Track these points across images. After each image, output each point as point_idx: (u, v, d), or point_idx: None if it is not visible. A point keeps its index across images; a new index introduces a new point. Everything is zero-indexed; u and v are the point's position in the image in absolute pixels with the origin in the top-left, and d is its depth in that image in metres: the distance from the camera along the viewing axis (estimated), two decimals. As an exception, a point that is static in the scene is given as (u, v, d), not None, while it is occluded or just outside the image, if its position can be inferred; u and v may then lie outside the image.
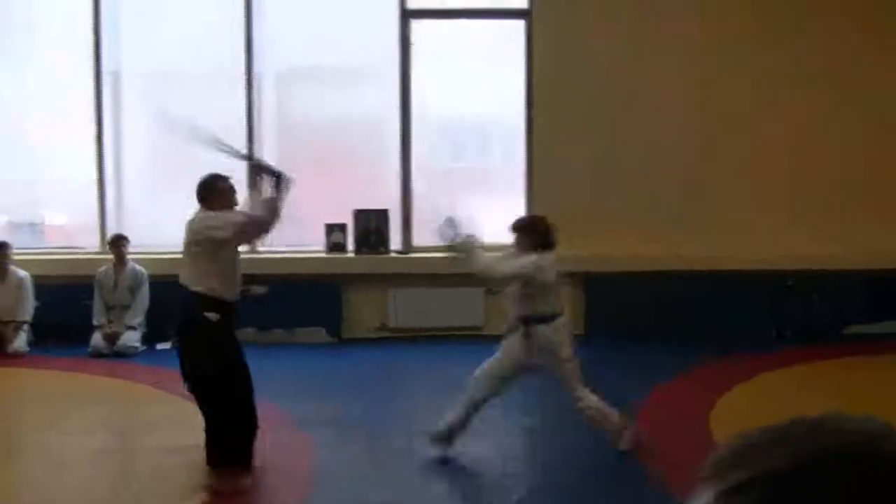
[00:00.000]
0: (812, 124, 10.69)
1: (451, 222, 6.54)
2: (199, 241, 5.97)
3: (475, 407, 6.36)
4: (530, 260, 6.33)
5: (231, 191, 6.28)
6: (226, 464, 5.85)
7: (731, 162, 10.72)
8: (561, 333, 6.42)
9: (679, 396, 8.14)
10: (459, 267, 6.66)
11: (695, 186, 10.64)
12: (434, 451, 6.36)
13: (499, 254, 6.75)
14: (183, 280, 5.94)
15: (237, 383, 5.87)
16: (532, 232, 6.55)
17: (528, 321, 6.36)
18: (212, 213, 6.05)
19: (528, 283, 6.33)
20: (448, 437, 6.37)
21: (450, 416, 6.37)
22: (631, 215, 10.52)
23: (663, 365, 9.08)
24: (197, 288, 5.87)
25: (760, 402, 7.94)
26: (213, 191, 6.21)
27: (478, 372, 6.42)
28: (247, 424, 5.92)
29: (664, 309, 10.37)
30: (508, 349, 6.41)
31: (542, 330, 6.35)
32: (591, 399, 6.44)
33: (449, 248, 6.60)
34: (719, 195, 10.67)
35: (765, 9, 10.65)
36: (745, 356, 9.45)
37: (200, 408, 5.91)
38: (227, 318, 5.96)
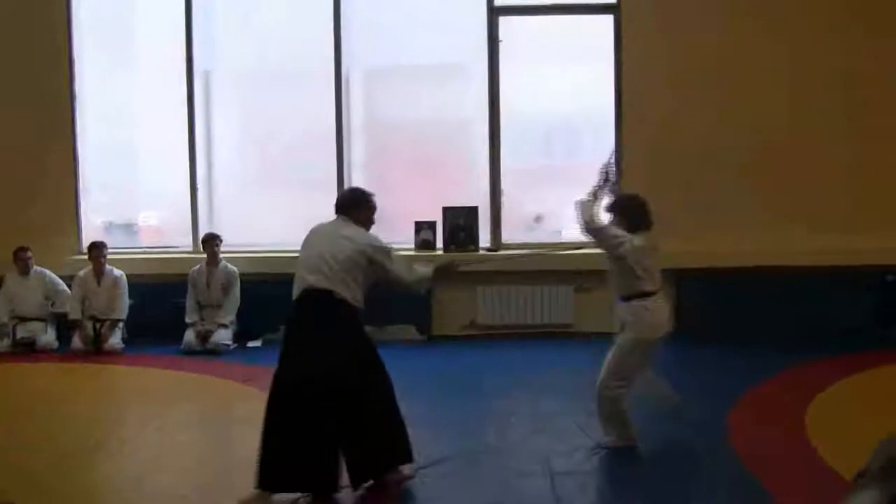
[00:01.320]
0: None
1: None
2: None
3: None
4: (622, 233, 6.38)
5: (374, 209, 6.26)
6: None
7: (832, 154, 10.48)
8: (636, 315, 6.38)
9: (775, 395, 7.96)
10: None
11: (792, 180, 10.44)
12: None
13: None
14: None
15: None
16: (625, 212, 6.54)
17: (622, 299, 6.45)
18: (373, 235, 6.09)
19: (619, 261, 6.37)
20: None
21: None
22: (724, 210, 10.35)
23: (759, 365, 8.91)
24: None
25: (859, 401, 7.76)
26: (362, 205, 6.20)
27: None
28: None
29: (759, 307, 10.18)
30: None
31: (619, 307, 6.47)
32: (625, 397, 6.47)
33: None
34: (819, 189, 10.45)
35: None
36: (845, 355, 9.23)
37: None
38: None
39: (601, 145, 10.84)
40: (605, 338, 9.22)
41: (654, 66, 10.55)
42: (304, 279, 5.89)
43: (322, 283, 5.80)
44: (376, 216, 6.24)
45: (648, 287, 6.40)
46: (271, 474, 5.62)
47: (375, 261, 5.92)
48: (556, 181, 11.13)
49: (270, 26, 11.23)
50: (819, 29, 10.43)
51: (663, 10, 10.54)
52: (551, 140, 11.30)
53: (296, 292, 5.91)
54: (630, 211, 6.55)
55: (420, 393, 7.95)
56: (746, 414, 7.36)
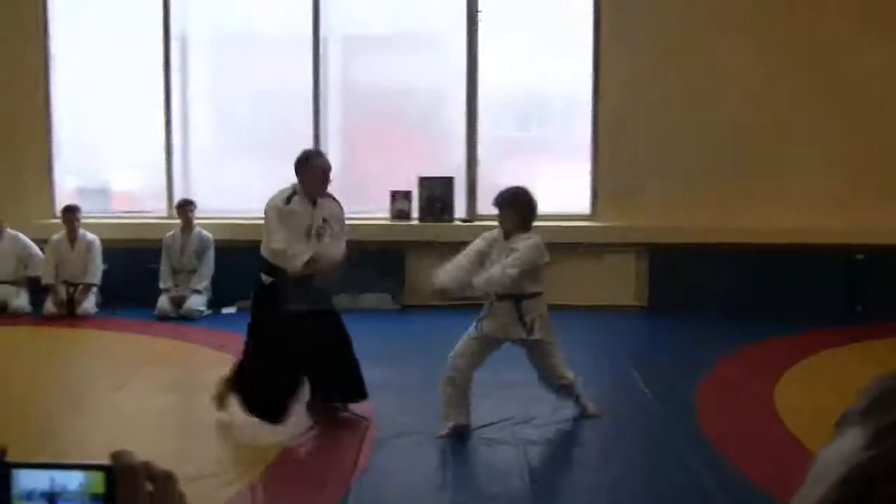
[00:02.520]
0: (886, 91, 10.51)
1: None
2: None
3: None
4: (533, 244, 6.14)
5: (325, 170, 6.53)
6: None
7: (801, 131, 10.53)
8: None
9: (744, 370, 8.04)
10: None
11: (764, 156, 10.51)
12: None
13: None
14: None
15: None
16: (520, 206, 6.26)
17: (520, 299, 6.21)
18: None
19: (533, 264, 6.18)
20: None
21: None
22: (697, 186, 10.41)
23: (728, 338, 8.99)
24: None
25: (827, 376, 7.83)
26: (302, 167, 6.48)
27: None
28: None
29: (730, 282, 10.25)
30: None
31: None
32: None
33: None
34: (789, 165, 10.51)
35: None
36: (814, 331, 9.31)
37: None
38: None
39: (577, 117, 10.95)
40: (575, 309, 9.33)
41: (631, 40, 10.57)
42: None
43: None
44: (324, 177, 6.53)
45: (537, 288, 6.27)
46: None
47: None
48: (531, 153, 11.15)
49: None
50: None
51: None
52: (527, 112, 11.31)
53: None
54: (526, 207, 6.25)
55: (392, 360, 8.03)
56: (714, 388, 7.43)
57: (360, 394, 6.54)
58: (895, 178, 10.47)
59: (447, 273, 6.30)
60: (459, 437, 6.17)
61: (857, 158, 10.51)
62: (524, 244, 6.11)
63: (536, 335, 6.23)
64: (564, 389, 6.50)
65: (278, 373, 6.26)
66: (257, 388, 6.26)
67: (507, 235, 6.23)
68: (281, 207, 6.32)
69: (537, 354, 6.37)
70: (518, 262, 6.03)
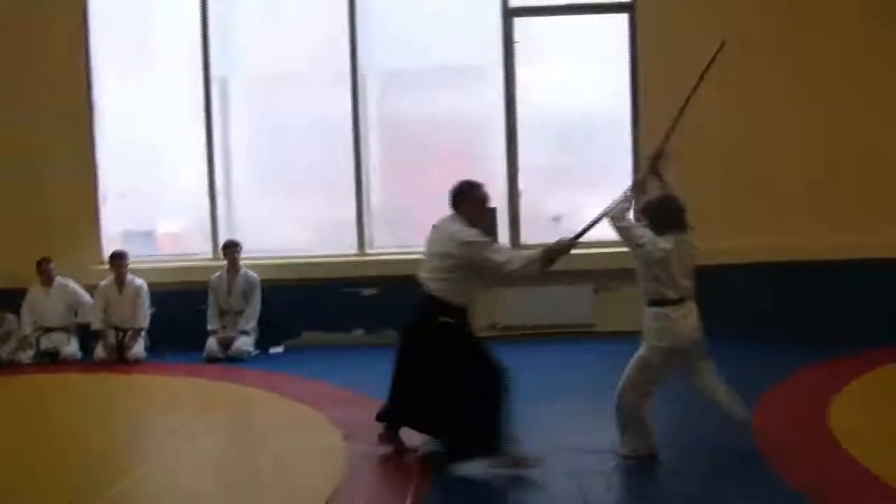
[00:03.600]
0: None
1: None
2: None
3: None
4: (646, 233, 6.24)
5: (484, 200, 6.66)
6: None
7: (856, 150, 10.49)
8: (655, 322, 6.23)
9: (800, 390, 7.95)
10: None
11: (814, 177, 10.43)
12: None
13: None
14: None
15: None
16: (647, 212, 6.39)
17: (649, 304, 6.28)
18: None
19: (642, 263, 6.24)
20: None
21: None
22: (742, 208, 10.32)
23: (784, 360, 8.91)
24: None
25: (881, 397, 7.74)
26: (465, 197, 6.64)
27: None
28: None
29: (787, 302, 10.15)
30: None
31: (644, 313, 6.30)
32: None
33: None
34: (844, 184, 10.46)
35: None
36: (870, 349, 9.19)
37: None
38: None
39: (617, 144, 10.90)
40: (625, 337, 9.24)
41: (669, 64, 10.52)
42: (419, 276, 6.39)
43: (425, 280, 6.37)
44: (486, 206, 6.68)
45: (671, 294, 6.18)
46: None
47: (462, 254, 6.26)
48: (573, 181, 11.11)
49: (285, 31, 11.23)
50: (829, 16, 10.47)
51: (678, 8, 10.51)
52: (568, 140, 11.27)
53: None
54: (653, 211, 6.35)
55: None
56: (769, 411, 7.34)
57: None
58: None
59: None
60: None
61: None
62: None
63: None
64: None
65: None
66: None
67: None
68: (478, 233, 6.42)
69: None
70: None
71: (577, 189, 10.96)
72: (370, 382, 8.53)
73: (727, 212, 10.21)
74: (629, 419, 6.29)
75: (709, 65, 6.78)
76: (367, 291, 10.71)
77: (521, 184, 10.96)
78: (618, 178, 10.79)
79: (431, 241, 6.56)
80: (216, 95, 11.27)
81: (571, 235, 6.45)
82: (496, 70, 10.92)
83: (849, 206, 10.42)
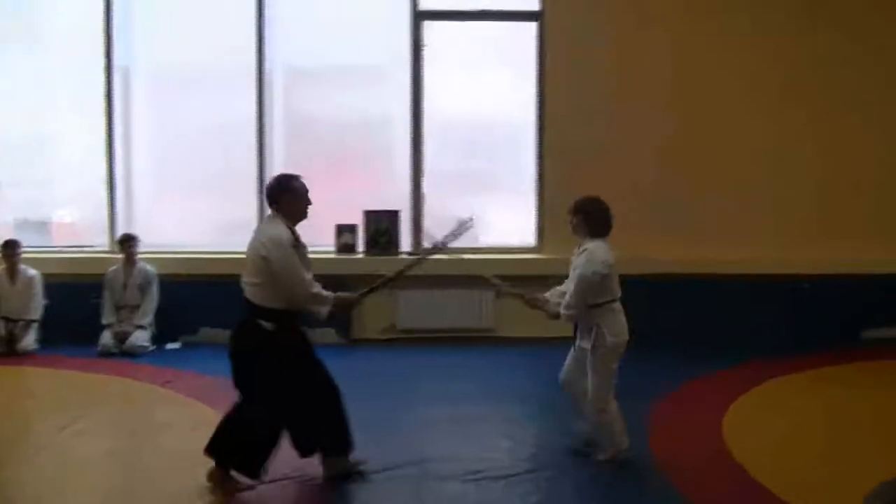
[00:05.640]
0: (839, 127, 10.82)
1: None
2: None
3: None
4: (586, 259, 6.27)
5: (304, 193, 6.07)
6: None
7: (749, 162, 10.79)
8: (609, 319, 6.33)
9: (694, 400, 8.13)
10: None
11: (712, 189, 10.68)
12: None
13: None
14: None
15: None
16: (590, 217, 6.43)
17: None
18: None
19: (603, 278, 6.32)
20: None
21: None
22: (644, 218, 10.45)
23: (681, 368, 9.12)
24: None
25: (772, 407, 7.94)
26: (286, 192, 6.04)
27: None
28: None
29: (679, 313, 10.34)
30: None
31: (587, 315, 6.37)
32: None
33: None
34: (735, 197, 10.73)
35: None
36: (762, 361, 9.46)
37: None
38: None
39: (521, 150, 11.01)
40: (525, 343, 9.33)
41: (575, 73, 10.67)
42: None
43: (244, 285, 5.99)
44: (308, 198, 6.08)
45: (618, 290, 6.38)
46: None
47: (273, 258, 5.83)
48: (476, 186, 11.18)
49: (191, 24, 11.07)
50: (730, 26, 10.75)
51: (586, 17, 10.65)
52: (473, 144, 11.33)
53: None
54: (595, 216, 6.43)
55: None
56: (665, 417, 7.49)
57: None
58: (829, 212, 10.76)
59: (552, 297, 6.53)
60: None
61: (819, 194, 10.83)
62: (580, 260, 6.32)
63: (587, 345, 6.34)
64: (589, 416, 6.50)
65: (328, 412, 6.11)
66: (313, 431, 6.10)
67: (579, 246, 6.45)
68: (292, 244, 5.89)
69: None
70: (577, 283, 6.26)
71: (480, 194, 11.03)
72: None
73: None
74: (608, 425, 6.38)
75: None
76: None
77: (425, 187, 10.98)
78: (520, 184, 10.95)
79: (250, 244, 6.04)
80: (118, 86, 11.05)
81: (361, 291, 6.30)
82: (404, 72, 10.93)
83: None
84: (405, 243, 10.84)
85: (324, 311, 6.00)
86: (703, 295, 10.51)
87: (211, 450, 5.99)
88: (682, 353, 9.72)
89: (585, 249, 6.34)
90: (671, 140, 10.63)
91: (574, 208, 6.49)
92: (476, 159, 11.35)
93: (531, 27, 10.86)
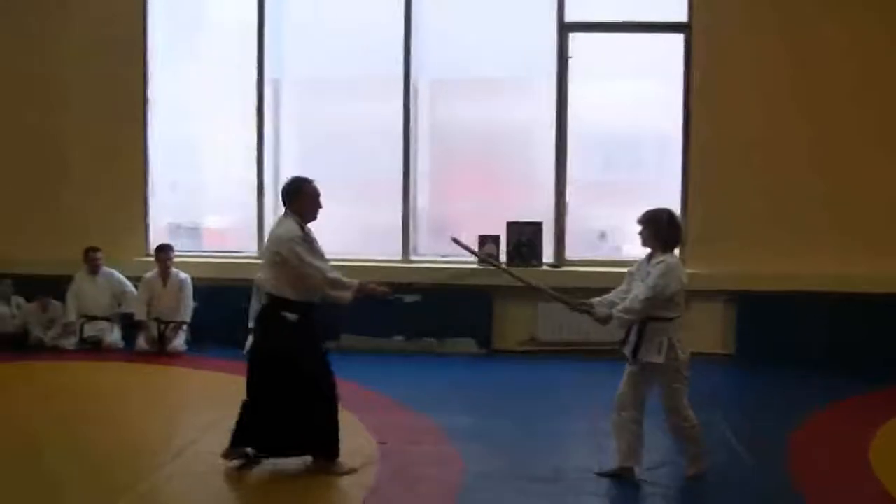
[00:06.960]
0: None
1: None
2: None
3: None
4: (662, 271, 6.11)
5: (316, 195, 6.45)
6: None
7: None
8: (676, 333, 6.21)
9: (837, 425, 7.86)
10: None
11: (867, 205, 10.39)
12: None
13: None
14: None
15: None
16: (661, 231, 6.24)
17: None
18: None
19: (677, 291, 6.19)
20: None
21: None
22: (790, 233, 10.25)
23: (818, 391, 8.84)
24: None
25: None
26: (299, 194, 6.41)
27: None
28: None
29: (822, 332, 10.07)
30: None
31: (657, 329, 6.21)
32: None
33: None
34: (889, 209, 10.40)
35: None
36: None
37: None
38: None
39: (667, 162, 10.88)
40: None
41: (723, 85, 10.50)
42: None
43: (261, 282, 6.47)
44: (319, 200, 6.43)
45: (683, 308, 6.29)
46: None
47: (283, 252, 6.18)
48: (620, 197, 11.08)
49: (340, 35, 11.27)
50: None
51: (734, 28, 10.48)
52: (617, 156, 11.26)
53: None
54: (666, 229, 6.26)
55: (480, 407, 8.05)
56: (807, 440, 7.29)
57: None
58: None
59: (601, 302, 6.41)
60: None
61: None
62: (655, 270, 6.13)
63: (659, 359, 6.18)
64: (676, 432, 6.40)
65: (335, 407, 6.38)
66: (323, 425, 6.31)
67: (650, 257, 6.28)
68: (303, 237, 6.28)
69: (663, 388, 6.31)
70: (649, 290, 6.08)
71: (623, 205, 10.92)
72: (408, 390, 8.60)
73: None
74: (695, 438, 6.32)
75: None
76: (409, 298, 10.67)
77: (568, 199, 10.93)
78: (667, 196, 10.80)
79: (266, 243, 6.55)
80: (269, 96, 11.33)
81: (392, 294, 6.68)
82: (549, 83, 10.92)
83: None
84: (547, 255, 10.82)
85: (346, 296, 6.29)
86: (854, 313, 10.18)
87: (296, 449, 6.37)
88: (830, 374, 9.45)
89: (662, 262, 6.16)
90: (826, 151, 10.38)
91: (643, 219, 6.31)
92: (619, 171, 11.27)
93: (678, 39, 10.72)
